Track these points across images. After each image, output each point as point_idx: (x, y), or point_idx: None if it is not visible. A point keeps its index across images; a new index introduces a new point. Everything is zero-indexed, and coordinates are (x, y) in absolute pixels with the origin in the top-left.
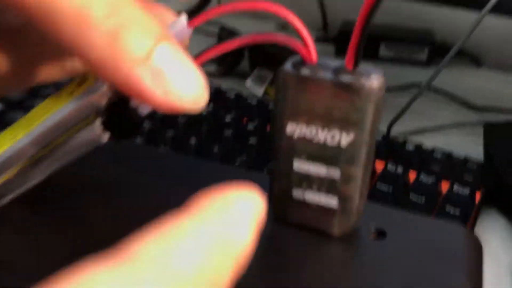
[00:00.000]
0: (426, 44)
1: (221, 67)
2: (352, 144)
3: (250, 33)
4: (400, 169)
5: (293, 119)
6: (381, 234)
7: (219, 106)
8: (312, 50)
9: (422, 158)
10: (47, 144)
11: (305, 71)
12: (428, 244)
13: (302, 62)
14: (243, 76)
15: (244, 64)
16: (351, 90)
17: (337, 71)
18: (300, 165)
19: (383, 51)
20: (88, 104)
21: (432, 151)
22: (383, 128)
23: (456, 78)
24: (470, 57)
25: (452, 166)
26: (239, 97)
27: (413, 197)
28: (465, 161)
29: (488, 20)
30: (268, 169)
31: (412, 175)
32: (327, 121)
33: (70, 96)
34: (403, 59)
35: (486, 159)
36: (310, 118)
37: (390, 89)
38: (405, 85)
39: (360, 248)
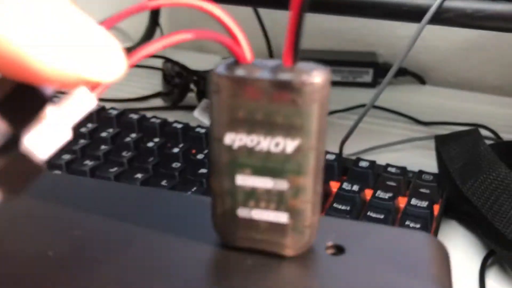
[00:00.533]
0: (370, 66)
1: (168, 100)
2: (298, 151)
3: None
4: (356, 187)
5: (232, 128)
6: (339, 249)
7: (166, 138)
8: (245, 48)
9: (377, 175)
10: None
11: (239, 72)
12: (390, 254)
13: (236, 63)
14: (191, 108)
15: (191, 96)
16: (291, 89)
17: (274, 69)
18: (244, 180)
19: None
20: None
21: (387, 166)
22: (335, 148)
23: (402, 96)
24: (414, 76)
25: (407, 180)
26: (186, 128)
27: (371, 214)
28: (420, 174)
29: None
30: (207, 188)
31: (368, 193)
32: (269, 127)
33: None
34: (349, 82)
35: (440, 170)
36: (250, 125)
37: (338, 111)
38: (353, 106)
39: (317, 267)
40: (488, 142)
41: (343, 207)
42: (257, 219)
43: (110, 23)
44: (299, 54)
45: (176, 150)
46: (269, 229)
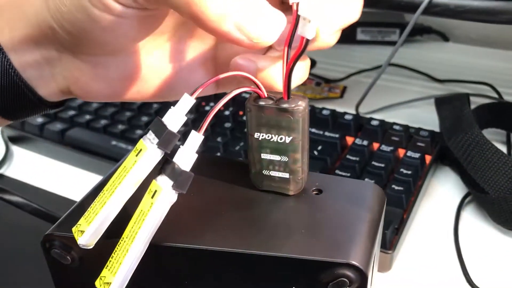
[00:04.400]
0: (397, 26)
1: None
2: (292, 142)
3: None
4: (365, 142)
5: (257, 129)
6: (319, 191)
7: None
8: (264, 92)
9: (385, 131)
10: (126, 199)
11: (261, 102)
12: (348, 195)
13: (259, 97)
14: None
15: None
16: (288, 111)
17: (278, 101)
18: (265, 155)
19: (360, 35)
20: (146, 165)
21: (392, 124)
22: (351, 110)
23: (425, 53)
24: (439, 34)
25: (408, 136)
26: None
27: (375, 163)
28: (418, 130)
29: None
30: (245, 158)
31: (376, 146)
32: (277, 130)
33: (134, 164)
34: (378, 41)
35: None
36: (267, 128)
37: (365, 70)
38: (378, 66)
39: (305, 200)
40: (489, 101)
41: (354, 158)
42: (273, 175)
43: None
44: (290, 92)
45: (226, 112)
46: (280, 181)
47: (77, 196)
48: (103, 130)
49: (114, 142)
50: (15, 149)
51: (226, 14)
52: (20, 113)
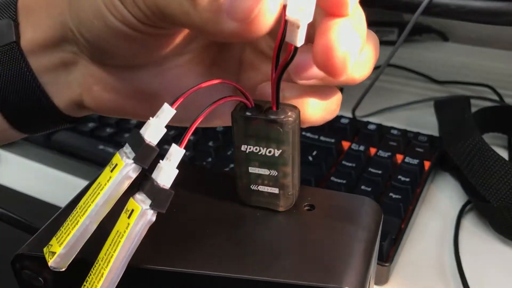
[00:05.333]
0: (395, 25)
1: None
2: (281, 155)
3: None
4: (362, 147)
5: (244, 141)
6: (311, 206)
7: None
8: (251, 100)
9: (382, 135)
10: (100, 219)
11: (248, 113)
12: (342, 212)
13: (245, 107)
14: None
15: None
16: (277, 123)
17: (266, 111)
18: (253, 169)
19: None
20: (122, 182)
21: (390, 129)
22: (348, 113)
23: (424, 53)
24: (438, 33)
25: (407, 141)
26: None
27: (372, 169)
28: (417, 135)
29: None
30: (231, 171)
31: (373, 151)
32: (266, 142)
33: (108, 180)
34: None
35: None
36: (255, 140)
37: None
38: (377, 66)
39: (296, 217)
40: (490, 104)
41: (350, 164)
42: (262, 190)
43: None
44: (279, 102)
45: None
46: (269, 196)
47: (62, 202)
48: (90, 133)
49: (101, 146)
50: (0, 152)
51: (217, 10)
52: (32, 122)
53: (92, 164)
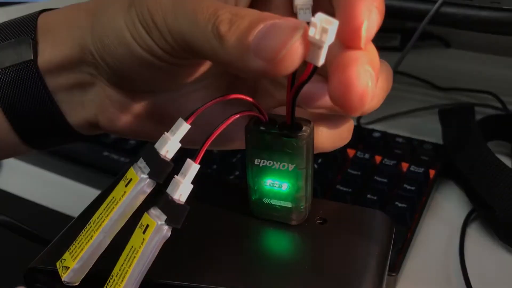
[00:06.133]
0: (398, 31)
1: None
2: (295, 168)
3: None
4: (367, 155)
5: (257, 156)
6: (324, 220)
7: None
8: (265, 115)
9: (386, 143)
10: (114, 233)
11: (262, 127)
12: (354, 225)
13: (259, 121)
14: None
15: None
16: (291, 138)
17: (281, 126)
18: (266, 183)
19: None
20: (137, 197)
21: (395, 136)
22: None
23: (426, 59)
24: (440, 39)
25: (412, 149)
26: None
27: (377, 178)
28: (422, 143)
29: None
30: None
31: (378, 159)
32: (279, 156)
33: (123, 195)
34: (378, 46)
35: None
36: (268, 154)
37: None
38: None
39: (309, 231)
40: (493, 111)
41: (355, 172)
42: (274, 204)
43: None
44: (294, 117)
45: None
46: (281, 210)
47: (67, 209)
48: (95, 139)
49: (106, 153)
50: None
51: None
52: (43, 139)
53: (96, 170)
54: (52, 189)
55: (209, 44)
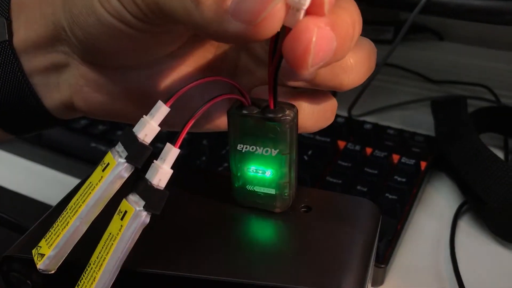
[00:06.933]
0: (391, 24)
1: None
2: (279, 154)
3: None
4: (358, 147)
5: (240, 141)
6: (308, 208)
7: None
8: (248, 98)
9: (378, 135)
10: (91, 219)
11: (244, 111)
12: (340, 213)
13: (242, 105)
14: None
15: None
16: (274, 122)
17: (264, 110)
18: (249, 169)
19: None
20: (114, 182)
21: (386, 128)
22: (343, 112)
23: (419, 52)
24: (433, 32)
25: (403, 141)
26: None
27: (368, 169)
28: (413, 135)
29: None
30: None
31: (369, 151)
32: (263, 141)
33: (100, 180)
34: (371, 39)
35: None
36: (252, 139)
37: None
38: None
39: (293, 219)
40: (486, 104)
41: (346, 164)
42: (258, 191)
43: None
44: (277, 100)
45: None
46: (265, 197)
47: (52, 200)
48: (82, 131)
49: (93, 144)
50: None
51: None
52: (20, 124)
53: (83, 162)
54: (38, 181)
55: (183, 6)
